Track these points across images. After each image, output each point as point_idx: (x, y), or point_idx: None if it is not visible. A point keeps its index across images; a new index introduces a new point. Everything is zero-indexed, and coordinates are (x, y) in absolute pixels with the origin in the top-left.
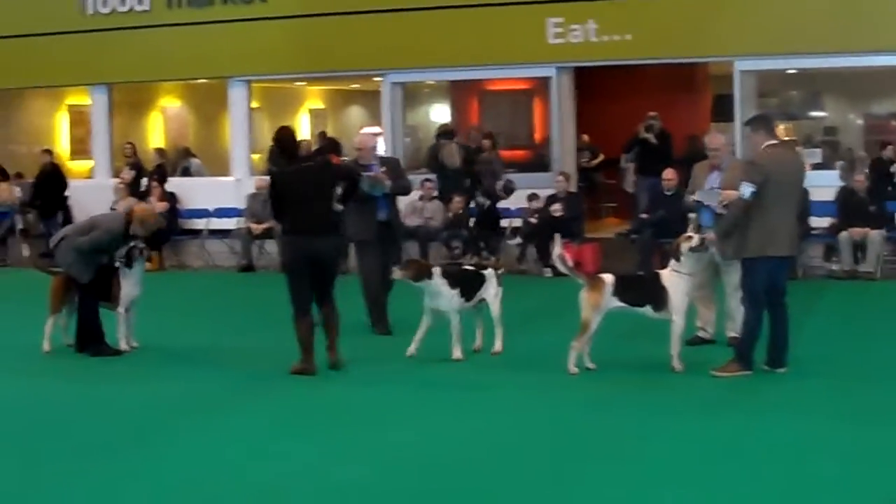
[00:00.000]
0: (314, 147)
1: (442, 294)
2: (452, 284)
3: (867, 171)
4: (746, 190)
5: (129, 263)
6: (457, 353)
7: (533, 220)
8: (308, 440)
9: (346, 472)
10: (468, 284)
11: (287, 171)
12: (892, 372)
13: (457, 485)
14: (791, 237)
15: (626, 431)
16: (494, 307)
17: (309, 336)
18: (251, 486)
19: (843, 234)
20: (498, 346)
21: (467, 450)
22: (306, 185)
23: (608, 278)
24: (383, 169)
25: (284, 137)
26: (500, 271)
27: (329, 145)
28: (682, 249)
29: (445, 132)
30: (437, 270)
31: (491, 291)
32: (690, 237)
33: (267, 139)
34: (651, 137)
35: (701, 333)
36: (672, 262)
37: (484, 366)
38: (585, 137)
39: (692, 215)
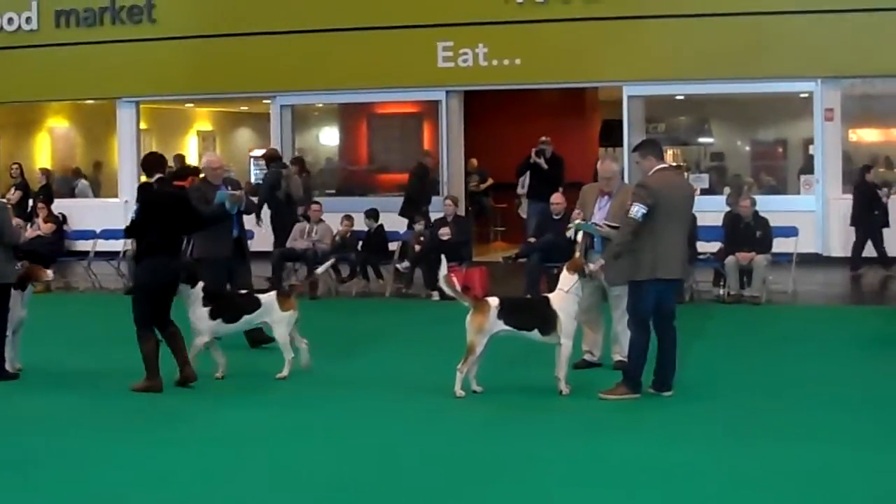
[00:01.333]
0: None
1: (194, 312)
2: (207, 304)
3: (853, 192)
4: (637, 211)
5: (20, 285)
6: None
7: (419, 244)
8: (191, 461)
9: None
10: (232, 307)
11: (157, 192)
12: (776, 395)
13: None
14: (680, 260)
15: (513, 454)
16: (277, 332)
17: (156, 353)
18: None
19: (730, 259)
20: (284, 371)
21: (348, 473)
22: (169, 209)
23: (493, 301)
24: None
25: (147, 159)
26: (292, 296)
27: (188, 168)
28: (584, 269)
29: (276, 157)
30: (199, 287)
31: (274, 316)
32: (587, 261)
33: None
34: (542, 162)
35: (587, 357)
36: (562, 282)
37: (368, 386)
38: (474, 161)
39: (578, 236)
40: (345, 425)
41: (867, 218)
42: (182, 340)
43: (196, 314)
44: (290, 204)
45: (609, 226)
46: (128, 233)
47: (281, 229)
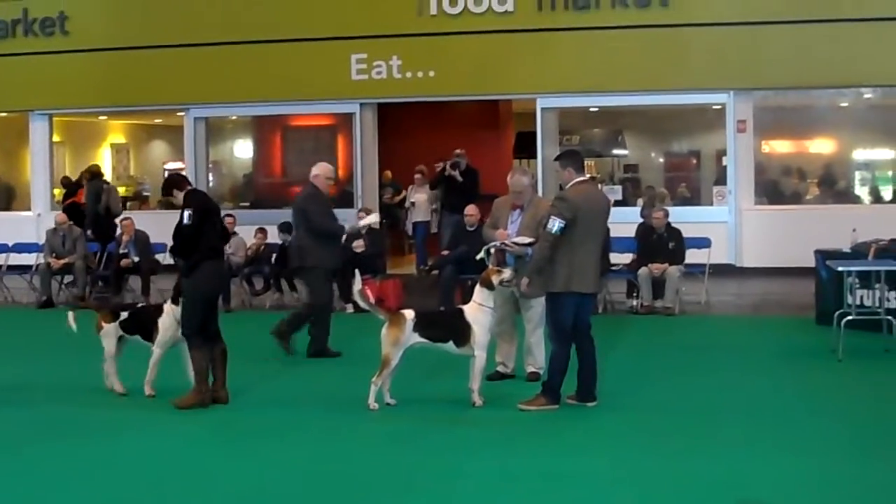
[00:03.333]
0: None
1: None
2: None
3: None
4: (555, 224)
5: None
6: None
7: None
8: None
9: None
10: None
11: (207, 196)
12: (689, 404)
13: None
14: (596, 274)
15: (426, 467)
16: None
17: (209, 365)
18: None
19: (643, 270)
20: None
21: (259, 484)
22: (217, 214)
23: (409, 314)
24: None
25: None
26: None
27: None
28: (493, 282)
29: (98, 174)
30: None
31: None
32: (500, 271)
33: (69, 172)
34: (456, 175)
35: (500, 368)
36: (477, 295)
37: (280, 399)
38: (388, 174)
39: (489, 260)
40: (255, 437)
41: None
42: (226, 360)
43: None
44: (109, 216)
45: (517, 244)
46: (181, 238)
47: (102, 241)
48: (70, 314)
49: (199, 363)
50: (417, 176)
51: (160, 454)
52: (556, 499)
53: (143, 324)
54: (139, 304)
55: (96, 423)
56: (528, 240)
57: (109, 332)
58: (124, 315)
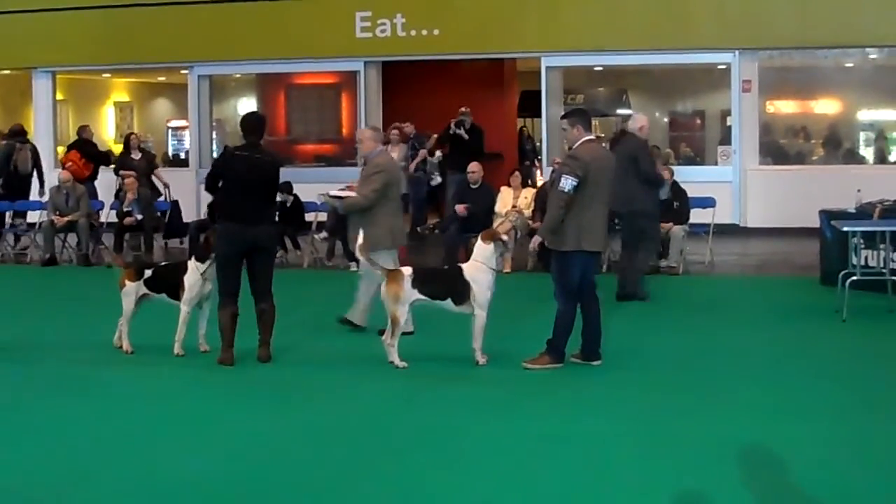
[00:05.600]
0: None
1: None
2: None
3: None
4: (568, 183)
5: None
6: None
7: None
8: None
9: (161, 464)
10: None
11: (233, 156)
12: (692, 364)
13: (268, 477)
14: (604, 233)
15: (430, 426)
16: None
17: (230, 325)
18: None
19: None
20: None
21: (269, 442)
22: (244, 175)
23: (406, 271)
24: None
25: (246, 119)
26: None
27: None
28: (500, 239)
29: (18, 132)
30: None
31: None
32: (501, 234)
33: (72, 132)
34: (463, 133)
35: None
36: (477, 253)
37: (293, 363)
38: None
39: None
40: (262, 397)
41: None
42: (268, 319)
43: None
44: (19, 177)
45: (331, 196)
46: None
47: (12, 200)
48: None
49: (220, 322)
50: (394, 133)
51: (169, 411)
52: (560, 457)
53: (168, 282)
54: (163, 263)
55: (104, 381)
56: (342, 193)
57: (130, 291)
58: (148, 273)
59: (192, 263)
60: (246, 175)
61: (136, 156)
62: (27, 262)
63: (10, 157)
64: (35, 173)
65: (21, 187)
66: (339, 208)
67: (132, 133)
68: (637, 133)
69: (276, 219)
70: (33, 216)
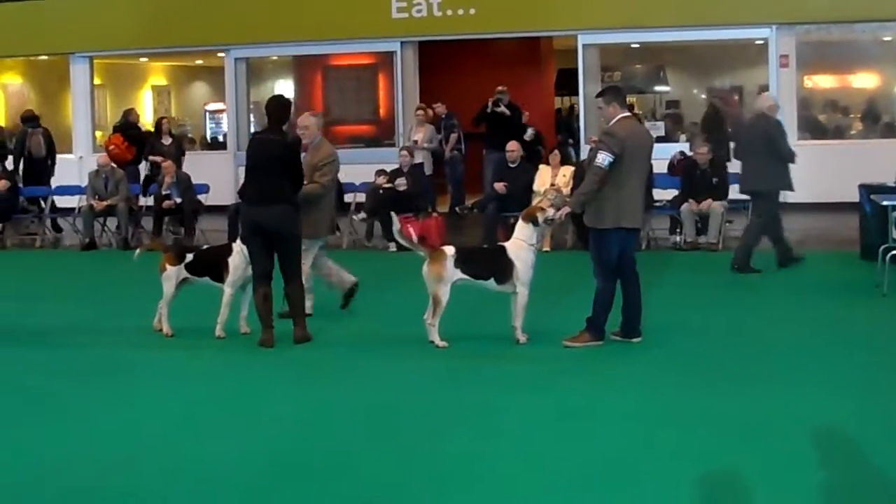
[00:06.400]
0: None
1: None
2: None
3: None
4: (605, 159)
5: None
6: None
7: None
8: (165, 414)
9: (204, 446)
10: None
11: (254, 138)
12: (735, 340)
13: (311, 457)
14: (641, 209)
15: (472, 404)
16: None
17: (263, 305)
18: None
19: (685, 206)
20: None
21: (311, 420)
22: (259, 156)
23: (449, 250)
24: None
25: (268, 102)
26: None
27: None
28: (538, 218)
29: (30, 118)
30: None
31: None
32: (543, 208)
33: (110, 116)
34: (505, 110)
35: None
36: (518, 231)
37: (334, 343)
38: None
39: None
40: (302, 378)
41: None
42: (295, 301)
43: None
44: (33, 162)
45: None
46: None
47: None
48: (138, 251)
49: (255, 304)
50: (419, 113)
51: (210, 393)
52: (599, 434)
53: (211, 265)
54: (204, 246)
55: (145, 364)
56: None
57: (171, 275)
58: (189, 257)
59: (238, 245)
60: (256, 156)
61: (167, 141)
62: (66, 247)
63: (23, 142)
64: (49, 158)
65: (35, 172)
66: (298, 197)
67: (164, 117)
68: (766, 112)
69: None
70: (72, 201)
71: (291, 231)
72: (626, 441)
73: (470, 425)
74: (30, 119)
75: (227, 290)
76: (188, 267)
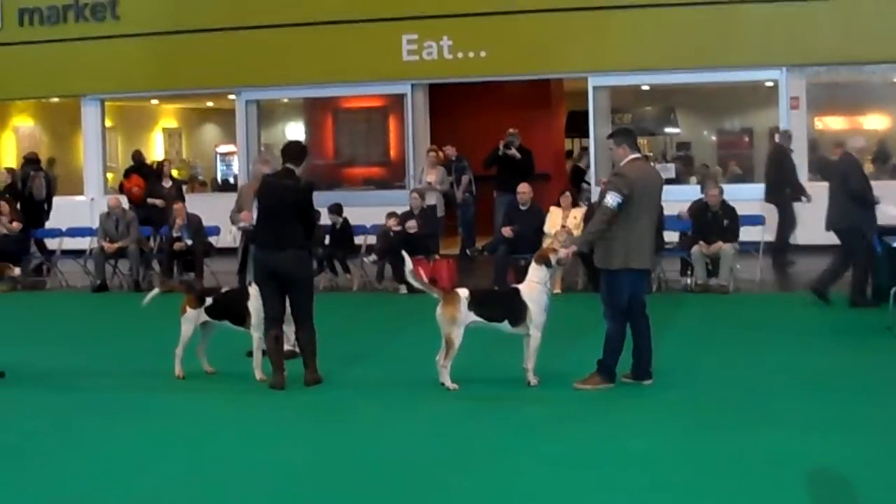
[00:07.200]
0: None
1: None
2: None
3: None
4: (614, 200)
5: None
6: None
7: (392, 234)
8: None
9: (213, 489)
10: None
11: (266, 181)
12: (746, 383)
13: (323, 500)
14: (651, 251)
15: (482, 446)
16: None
17: (274, 348)
18: None
19: (696, 248)
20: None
21: (321, 464)
22: (268, 199)
23: (463, 292)
24: None
25: (284, 146)
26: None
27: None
28: (551, 260)
29: (32, 160)
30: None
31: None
32: (556, 250)
33: (121, 158)
34: (515, 153)
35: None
36: (532, 273)
37: (344, 386)
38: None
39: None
40: (315, 418)
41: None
42: (306, 346)
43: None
44: (34, 204)
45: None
46: None
47: (29, 225)
48: (150, 295)
49: (266, 346)
50: (431, 155)
51: (220, 435)
52: (613, 478)
53: (231, 308)
54: (223, 290)
55: (156, 406)
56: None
57: (190, 318)
58: (209, 301)
59: (253, 289)
60: (267, 200)
61: (167, 183)
62: (78, 289)
63: (25, 183)
64: (47, 201)
65: (35, 214)
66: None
67: (165, 160)
68: (852, 153)
69: (326, 241)
70: (83, 242)
71: (304, 276)
72: (638, 484)
73: (481, 468)
74: (32, 161)
75: (255, 334)
76: (208, 311)
